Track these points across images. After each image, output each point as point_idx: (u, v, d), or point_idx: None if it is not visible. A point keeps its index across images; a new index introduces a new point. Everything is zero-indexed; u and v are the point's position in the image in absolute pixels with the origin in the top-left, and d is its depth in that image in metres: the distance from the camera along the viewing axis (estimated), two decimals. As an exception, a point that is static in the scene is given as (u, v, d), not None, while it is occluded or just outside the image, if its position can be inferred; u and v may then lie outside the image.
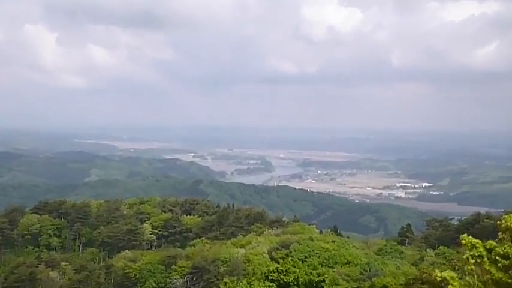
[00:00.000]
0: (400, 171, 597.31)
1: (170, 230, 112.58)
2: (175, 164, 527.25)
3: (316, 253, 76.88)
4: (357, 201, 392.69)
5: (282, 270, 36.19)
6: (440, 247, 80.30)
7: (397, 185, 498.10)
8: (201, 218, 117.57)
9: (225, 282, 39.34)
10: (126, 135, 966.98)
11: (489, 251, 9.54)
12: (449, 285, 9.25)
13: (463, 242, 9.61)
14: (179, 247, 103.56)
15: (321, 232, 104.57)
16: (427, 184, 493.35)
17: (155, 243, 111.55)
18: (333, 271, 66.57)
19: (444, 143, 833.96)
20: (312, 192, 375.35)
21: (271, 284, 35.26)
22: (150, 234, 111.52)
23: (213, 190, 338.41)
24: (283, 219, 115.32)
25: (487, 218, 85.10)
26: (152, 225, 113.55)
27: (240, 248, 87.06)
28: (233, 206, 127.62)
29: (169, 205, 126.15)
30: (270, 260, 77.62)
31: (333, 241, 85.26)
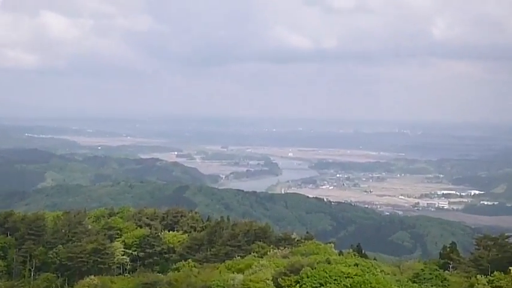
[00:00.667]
0: (442, 175, 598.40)
1: (147, 250, 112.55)
2: (154, 165, 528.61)
3: (335, 280, 76.82)
4: (387, 213, 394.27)
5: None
6: (495, 273, 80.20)
7: (439, 192, 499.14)
8: (186, 235, 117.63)
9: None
10: (92, 128, 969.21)
11: None
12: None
13: None
14: (159, 272, 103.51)
15: (340, 253, 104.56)
16: (476, 192, 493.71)
17: (128, 267, 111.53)
18: (356, 303, 66.42)
19: (499, 139, 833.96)
20: (330, 202, 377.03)
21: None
22: (122, 255, 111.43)
23: (202, 199, 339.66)
24: (293, 236, 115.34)
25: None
26: (125, 244, 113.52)
27: (237, 273, 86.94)
28: (228, 219, 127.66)
29: (147, 218, 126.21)
30: (275, 288, 77.65)
31: (356, 264, 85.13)
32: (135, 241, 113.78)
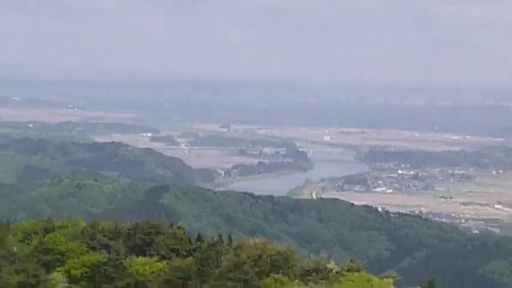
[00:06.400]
0: None
1: (105, 285, 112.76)
2: (116, 153, 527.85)
3: (395, 335, 77.14)
4: (476, 231, 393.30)
5: None
6: None
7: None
8: (165, 263, 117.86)
9: None
10: (20, 95, 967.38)
11: None
12: None
13: None
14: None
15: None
16: None
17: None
18: None
19: None
20: (388, 213, 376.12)
21: None
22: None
23: (189, 206, 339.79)
24: (330, 265, 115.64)
25: None
26: (69, 276, 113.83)
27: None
28: (230, 239, 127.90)
29: (103, 236, 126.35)
30: None
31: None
32: (86, 271, 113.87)
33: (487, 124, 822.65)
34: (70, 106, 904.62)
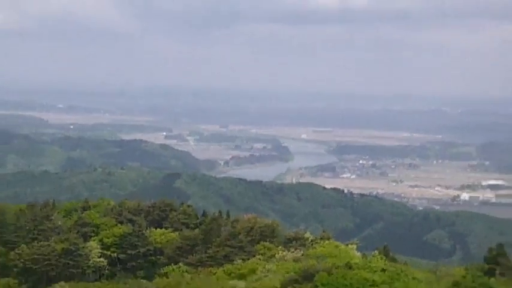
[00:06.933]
0: (488, 162, 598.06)
1: (129, 251, 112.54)
2: (138, 148, 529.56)
3: (357, 288, 76.83)
4: (420, 208, 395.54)
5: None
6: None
7: (484, 183, 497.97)
8: (177, 233, 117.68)
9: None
10: (63, 103, 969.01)
11: None
12: None
13: None
14: (143, 277, 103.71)
15: (364, 256, 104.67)
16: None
17: (106, 271, 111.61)
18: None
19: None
20: (352, 194, 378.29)
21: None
22: (99, 257, 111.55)
23: (196, 189, 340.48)
24: (306, 235, 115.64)
25: None
26: (102, 244, 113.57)
27: (238, 279, 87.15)
28: (228, 215, 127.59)
29: (129, 212, 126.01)
30: (284, 298, 77.63)
31: (383, 270, 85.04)
32: (115, 240, 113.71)
33: (430, 124, 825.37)
34: (102, 111, 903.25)
